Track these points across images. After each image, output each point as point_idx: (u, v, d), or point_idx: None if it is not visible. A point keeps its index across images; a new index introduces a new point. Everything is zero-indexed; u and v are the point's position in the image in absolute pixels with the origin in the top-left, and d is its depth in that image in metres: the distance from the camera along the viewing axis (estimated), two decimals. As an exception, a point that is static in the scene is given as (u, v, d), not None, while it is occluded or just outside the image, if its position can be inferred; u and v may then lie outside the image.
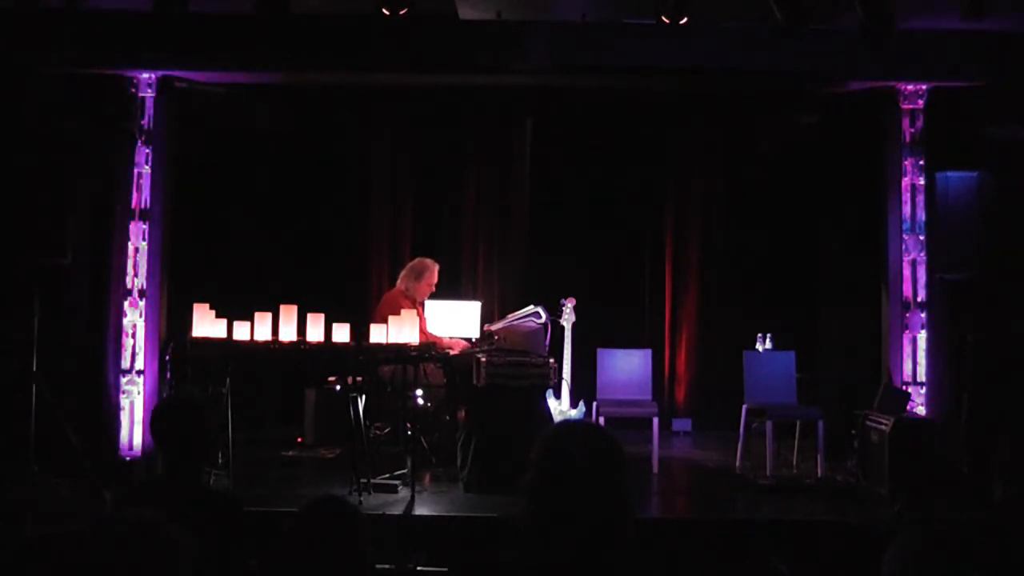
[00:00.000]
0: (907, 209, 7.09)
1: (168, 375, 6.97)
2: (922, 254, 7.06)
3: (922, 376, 7.04)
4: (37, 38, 6.64)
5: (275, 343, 5.98)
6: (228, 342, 5.97)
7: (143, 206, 6.97)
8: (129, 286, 6.94)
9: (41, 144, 6.41)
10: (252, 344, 5.97)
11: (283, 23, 6.34)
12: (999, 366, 6.70)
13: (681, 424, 8.68)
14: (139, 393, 6.91)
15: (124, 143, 6.96)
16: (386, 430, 7.39)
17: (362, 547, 2.47)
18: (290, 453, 7.40)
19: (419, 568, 4.44)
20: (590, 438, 2.11)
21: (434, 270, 7.32)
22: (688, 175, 9.04)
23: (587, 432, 2.18)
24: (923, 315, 7.06)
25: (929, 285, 7.03)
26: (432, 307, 7.55)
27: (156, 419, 3.35)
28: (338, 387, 7.26)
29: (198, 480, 3.44)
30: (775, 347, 7.44)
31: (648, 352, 7.48)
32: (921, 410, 6.94)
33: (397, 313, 6.18)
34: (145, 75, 6.96)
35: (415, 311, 6.66)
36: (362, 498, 5.78)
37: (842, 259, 7.91)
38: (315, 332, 6.01)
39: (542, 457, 2.09)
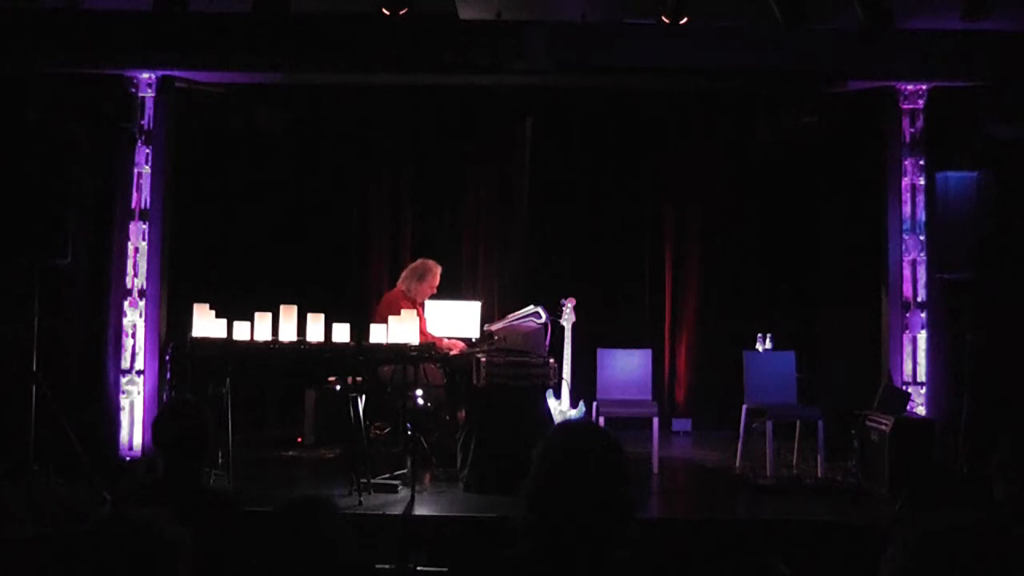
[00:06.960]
0: (907, 209, 7.09)
1: (168, 375, 6.97)
2: (922, 254, 7.05)
3: (922, 376, 7.03)
4: (37, 38, 6.64)
5: (275, 343, 5.99)
6: (228, 342, 5.98)
7: (143, 206, 6.97)
8: (129, 286, 6.94)
9: (41, 144, 6.40)
10: (252, 344, 5.98)
11: (283, 23, 6.35)
12: (999, 366, 6.69)
13: (681, 424, 8.68)
14: (139, 393, 6.91)
15: (124, 143, 6.96)
16: (386, 430, 7.39)
17: (333, 550, 2.47)
18: (290, 453, 7.41)
19: (419, 568, 4.45)
20: (591, 439, 2.12)
21: (436, 272, 7.31)
22: (688, 175, 9.02)
23: (588, 433, 2.18)
24: (923, 315, 7.05)
25: (929, 285, 7.03)
26: (432, 307, 7.54)
27: (157, 425, 3.38)
28: (338, 387, 7.26)
29: (198, 480, 3.45)
30: (775, 347, 7.43)
31: (648, 352, 7.47)
32: (921, 410, 6.94)
33: (397, 313, 6.18)
34: (145, 75, 6.96)
35: (415, 311, 6.66)
36: (362, 498, 5.78)
37: (842, 259, 7.92)
38: (315, 332, 6.01)
39: (544, 458, 2.09)
